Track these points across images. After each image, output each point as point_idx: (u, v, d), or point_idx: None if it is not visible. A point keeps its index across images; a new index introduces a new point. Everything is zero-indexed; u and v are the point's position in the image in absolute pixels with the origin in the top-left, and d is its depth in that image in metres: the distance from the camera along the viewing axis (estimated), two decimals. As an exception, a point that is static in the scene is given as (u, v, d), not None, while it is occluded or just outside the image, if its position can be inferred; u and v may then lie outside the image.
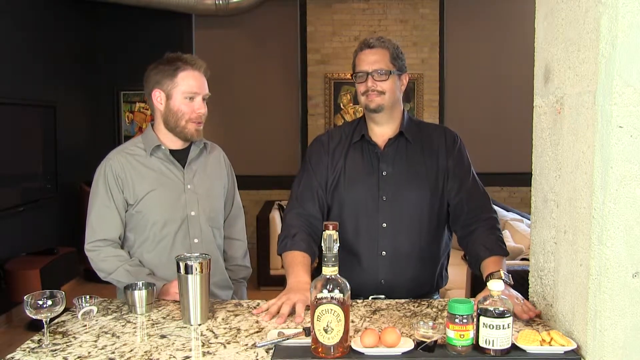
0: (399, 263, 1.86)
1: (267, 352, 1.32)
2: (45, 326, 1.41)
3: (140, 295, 1.63)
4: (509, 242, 3.99)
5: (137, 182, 1.91)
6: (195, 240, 1.96)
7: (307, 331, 1.36)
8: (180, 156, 1.97)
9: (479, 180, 1.93)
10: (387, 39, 1.88)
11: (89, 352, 1.35)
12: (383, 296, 1.84)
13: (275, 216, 5.38)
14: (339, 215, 1.88)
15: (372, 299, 1.82)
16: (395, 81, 1.85)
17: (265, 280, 5.18)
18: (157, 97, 1.91)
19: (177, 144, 1.97)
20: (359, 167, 1.89)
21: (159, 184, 1.92)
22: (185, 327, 1.52)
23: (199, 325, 1.53)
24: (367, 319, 1.58)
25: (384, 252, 1.86)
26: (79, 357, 1.32)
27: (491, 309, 1.29)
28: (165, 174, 1.94)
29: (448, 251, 2.00)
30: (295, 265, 1.74)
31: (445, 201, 1.89)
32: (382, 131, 1.91)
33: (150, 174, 1.93)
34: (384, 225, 1.86)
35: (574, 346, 1.29)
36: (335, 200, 1.89)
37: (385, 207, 1.85)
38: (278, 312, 1.55)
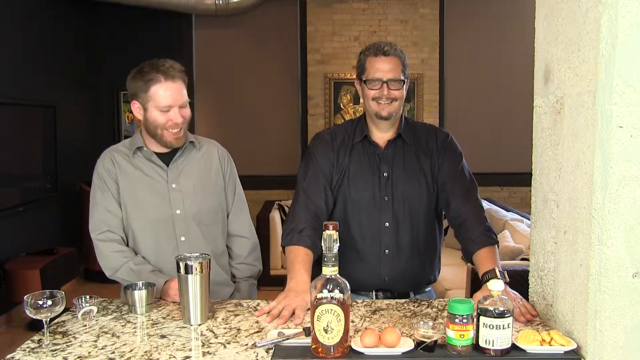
0: (401, 260, 1.91)
1: (267, 352, 1.33)
2: (45, 326, 1.41)
3: (140, 295, 1.63)
4: (509, 242, 3.99)
5: (122, 181, 1.94)
6: (182, 239, 1.95)
7: (307, 331, 1.36)
8: (166, 156, 1.98)
9: (468, 172, 1.95)
10: (396, 45, 1.88)
11: (89, 352, 1.35)
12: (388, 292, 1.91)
13: (275, 216, 5.37)
14: (344, 214, 1.91)
15: (374, 293, 1.90)
16: (404, 89, 1.88)
17: (265, 280, 5.12)
18: (136, 107, 1.92)
19: (161, 148, 1.97)
20: (361, 168, 1.91)
21: (143, 183, 1.94)
22: (185, 327, 1.52)
23: (199, 325, 1.53)
24: (367, 319, 1.58)
25: (387, 251, 1.90)
26: (79, 357, 1.33)
27: (491, 308, 1.29)
28: (149, 174, 1.96)
29: (441, 242, 2.04)
30: (297, 263, 1.75)
31: (439, 197, 1.93)
32: (382, 133, 1.93)
33: (135, 173, 1.95)
34: (387, 224, 1.89)
35: (574, 346, 1.29)
36: (339, 199, 1.91)
37: (387, 207, 1.89)
38: (279, 315, 1.56)
